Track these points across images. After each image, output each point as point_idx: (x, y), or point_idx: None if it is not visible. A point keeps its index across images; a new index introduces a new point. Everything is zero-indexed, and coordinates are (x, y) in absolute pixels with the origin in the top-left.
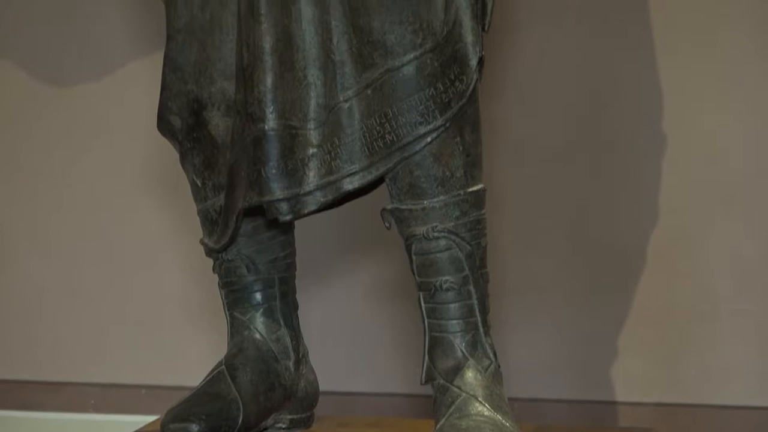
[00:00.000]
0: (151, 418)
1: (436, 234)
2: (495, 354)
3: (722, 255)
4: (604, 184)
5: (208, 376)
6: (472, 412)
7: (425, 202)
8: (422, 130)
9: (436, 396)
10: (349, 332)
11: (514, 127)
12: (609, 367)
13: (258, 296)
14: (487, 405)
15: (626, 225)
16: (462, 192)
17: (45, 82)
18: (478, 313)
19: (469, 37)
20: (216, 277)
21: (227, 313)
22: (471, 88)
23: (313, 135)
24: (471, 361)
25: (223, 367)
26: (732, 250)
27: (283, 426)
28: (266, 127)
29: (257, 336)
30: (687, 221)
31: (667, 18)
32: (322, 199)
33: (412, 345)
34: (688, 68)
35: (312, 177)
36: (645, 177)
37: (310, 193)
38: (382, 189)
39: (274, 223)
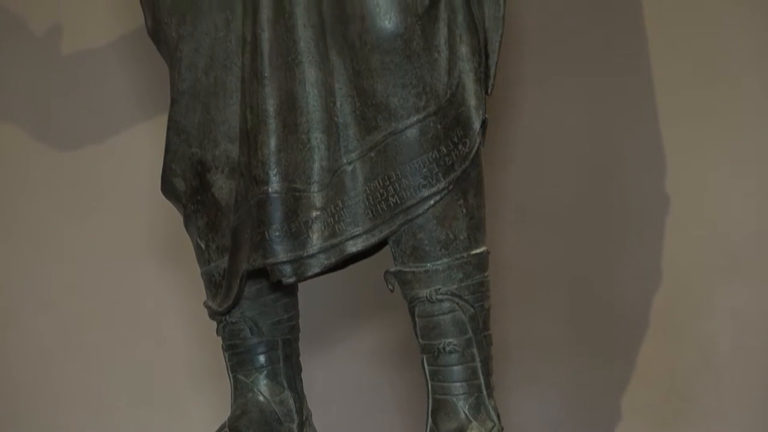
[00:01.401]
0: None
1: (439, 297)
2: (498, 416)
3: (724, 317)
4: (607, 246)
5: None
6: None
7: (428, 264)
8: (425, 192)
9: None
10: (352, 395)
11: (516, 190)
12: (611, 430)
13: (261, 358)
14: None
15: (629, 287)
16: (465, 254)
17: (50, 144)
18: (481, 376)
19: (472, 101)
20: (220, 340)
21: (231, 375)
22: (474, 151)
23: (317, 198)
24: (474, 424)
25: (227, 429)
26: (734, 313)
27: None
28: (270, 189)
29: (261, 398)
30: (689, 283)
31: (671, 79)
32: (325, 262)
33: (415, 407)
34: (691, 130)
35: (315, 239)
36: (647, 239)
37: (313, 255)
38: (386, 251)
39: (277, 286)
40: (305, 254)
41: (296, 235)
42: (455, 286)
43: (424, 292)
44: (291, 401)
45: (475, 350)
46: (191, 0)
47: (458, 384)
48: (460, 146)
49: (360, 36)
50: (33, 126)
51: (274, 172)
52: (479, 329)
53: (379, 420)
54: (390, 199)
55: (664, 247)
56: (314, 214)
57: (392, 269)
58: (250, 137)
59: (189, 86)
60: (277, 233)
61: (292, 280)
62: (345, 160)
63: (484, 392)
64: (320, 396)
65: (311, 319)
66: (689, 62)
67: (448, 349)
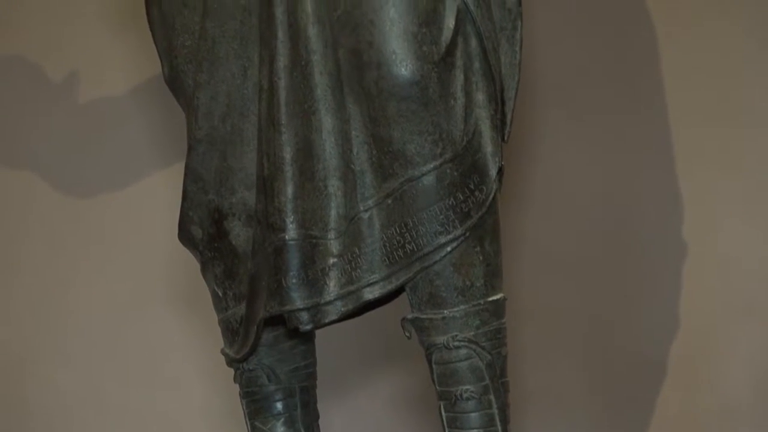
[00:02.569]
0: None
1: (456, 343)
2: None
3: (742, 362)
4: (624, 291)
5: None
6: None
7: (445, 311)
8: (442, 239)
9: None
10: None
11: (533, 236)
12: None
13: (279, 406)
14: None
15: (646, 332)
16: (482, 301)
17: (67, 191)
18: (498, 423)
19: (488, 147)
20: (237, 387)
21: (248, 422)
22: (491, 197)
23: (334, 245)
24: None
25: None
26: (751, 357)
27: None
28: (287, 237)
29: None
30: (707, 328)
31: (688, 122)
32: (342, 309)
33: None
34: (707, 172)
35: (332, 286)
36: (665, 283)
37: (330, 302)
38: (403, 298)
39: (295, 333)
40: (322, 301)
41: (313, 282)
42: (472, 333)
43: (441, 339)
44: None
45: (492, 397)
46: (208, 48)
47: (475, 431)
48: (476, 193)
49: (376, 83)
50: (50, 174)
51: (291, 219)
52: (496, 376)
53: None
54: (407, 246)
55: (681, 292)
56: (331, 261)
57: (409, 316)
58: (266, 184)
59: (206, 134)
60: (294, 280)
61: (309, 327)
62: (362, 207)
63: None
64: None
65: (328, 366)
66: (706, 105)
67: (465, 396)
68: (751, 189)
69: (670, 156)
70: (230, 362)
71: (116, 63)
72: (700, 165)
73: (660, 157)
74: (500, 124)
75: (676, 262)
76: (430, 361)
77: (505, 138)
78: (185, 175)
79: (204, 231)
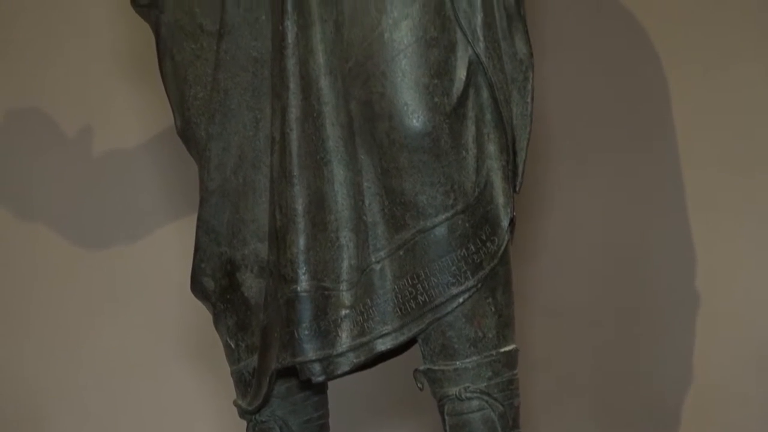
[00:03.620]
0: None
1: (468, 395)
2: None
3: (756, 414)
4: (636, 343)
5: None
6: None
7: (457, 362)
8: (454, 290)
9: None
10: None
11: (545, 287)
12: None
13: None
14: None
15: (659, 385)
16: (494, 352)
17: (80, 245)
18: None
19: (500, 199)
20: None
21: None
22: (502, 248)
23: (346, 296)
24: None
25: None
26: (766, 413)
27: None
28: (299, 288)
29: None
30: (720, 382)
31: (703, 177)
32: (354, 360)
33: None
34: (721, 222)
35: (345, 338)
36: (678, 336)
37: (342, 354)
38: (415, 349)
39: (307, 384)
40: (334, 353)
41: (325, 334)
42: (484, 384)
43: (453, 390)
44: None
45: None
46: (220, 100)
47: None
48: (488, 244)
49: (388, 135)
50: (63, 225)
51: (303, 270)
52: (509, 427)
53: None
54: (419, 297)
55: (694, 343)
56: (343, 312)
57: (421, 367)
58: (279, 236)
59: (218, 185)
60: (306, 332)
61: (321, 378)
62: (374, 259)
63: None
64: None
65: (341, 418)
66: (719, 153)
67: None
68: (767, 237)
69: (683, 205)
70: (243, 414)
71: (129, 115)
72: (714, 213)
73: (673, 207)
74: (512, 175)
75: (688, 313)
76: (442, 413)
77: (517, 189)
78: (198, 226)
79: (216, 283)
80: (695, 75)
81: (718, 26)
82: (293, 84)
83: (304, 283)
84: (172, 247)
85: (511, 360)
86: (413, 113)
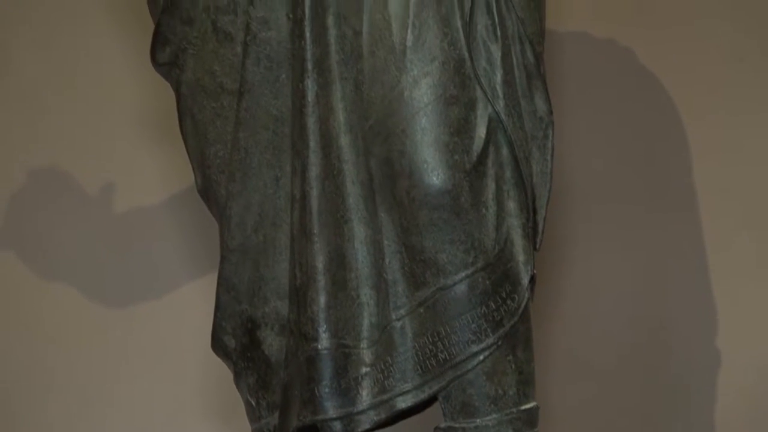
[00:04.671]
0: None
1: None
2: None
3: None
4: (657, 402)
5: None
6: None
7: (478, 420)
8: (475, 348)
9: None
10: None
11: (566, 344)
12: None
13: None
14: None
15: None
16: (515, 410)
17: (101, 304)
18: None
19: (520, 256)
20: None
21: None
22: (523, 306)
23: (366, 354)
24: None
25: None
26: None
27: None
28: (319, 346)
29: None
30: None
31: (724, 237)
32: (375, 418)
33: None
34: (742, 283)
35: (365, 396)
36: (699, 395)
37: (363, 411)
38: (435, 406)
39: None
40: (355, 410)
41: (346, 392)
42: None
43: None
44: None
45: None
46: (240, 158)
47: None
48: (508, 301)
49: (408, 192)
50: (83, 284)
51: (324, 328)
52: None
53: None
54: (439, 355)
55: (716, 402)
56: (364, 370)
57: (442, 425)
58: (299, 294)
59: (239, 244)
60: (327, 390)
61: None
62: (394, 317)
63: None
64: None
65: None
66: (740, 214)
67: None
68: None
69: (705, 265)
70: None
71: (150, 173)
72: (735, 273)
73: (695, 266)
74: (532, 233)
75: (710, 372)
76: None
77: (537, 246)
78: (218, 285)
79: (237, 341)
80: (717, 133)
81: (739, 85)
82: (313, 142)
83: (324, 341)
84: (193, 305)
85: (531, 418)
86: (433, 171)
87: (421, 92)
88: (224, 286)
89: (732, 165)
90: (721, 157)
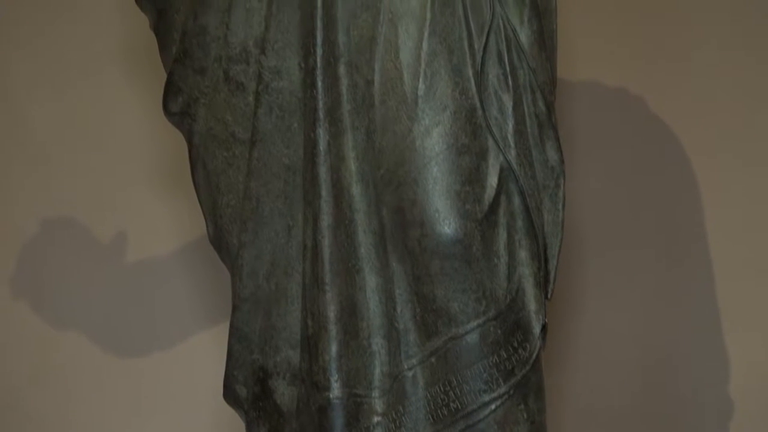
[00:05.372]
0: None
1: None
2: None
3: None
4: None
5: None
6: None
7: None
8: (486, 398)
9: None
10: None
11: (577, 393)
12: None
13: None
14: None
15: None
16: None
17: (114, 353)
18: None
19: (532, 305)
20: None
21: None
22: (534, 355)
23: (378, 403)
24: None
25: None
26: None
27: None
28: (331, 395)
29: None
30: None
31: (735, 286)
32: None
33: None
34: (752, 333)
35: None
36: None
37: None
38: None
39: None
40: None
41: None
42: None
43: None
44: None
45: None
46: (252, 207)
47: None
48: (520, 351)
49: (419, 242)
50: (97, 332)
51: (335, 378)
52: None
53: None
54: (451, 404)
55: None
56: (375, 419)
57: None
58: (311, 343)
59: (251, 293)
60: None
61: None
62: (406, 366)
63: None
64: None
65: None
66: (752, 262)
67: None
68: None
69: (716, 312)
70: None
71: (162, 222)
72: (749, 319)
73: (706, 314)
74: (543, 282)
75: (723, 420)
76: None
77: (549, 296)
78: (230, 334)
79: (249, 390)
80: (729, 178)
81: (752, 130)
82: (325, 191)
83: (336, 391)
84: (205, 354)
85: None
86: (445, 220)
87: (433, 141)
88: (236, 335)
89: (744, 210)
90: (733, 203)
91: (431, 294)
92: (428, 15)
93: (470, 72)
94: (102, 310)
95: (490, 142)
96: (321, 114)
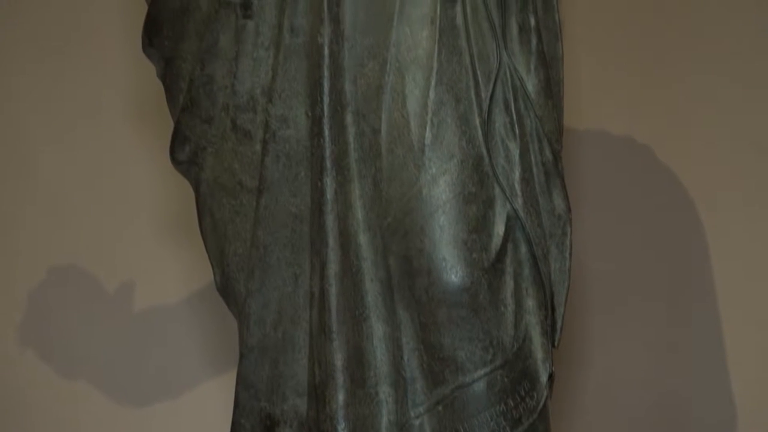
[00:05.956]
0: None
1: None
2: None
3: None
4: None
5: None
6: None
7: None
8: None
9: None
10: None
11: None
12: None
13: None
14: None
15: None
16: None
17: (121, 403)
18: None
19: (539, 354)
20: None
21: None
22: (541, 404)
23: None
24: None
25: None
26: None
27: None
28: None
29: None
30: None
31: (742, 332)
32: None
33: None
34: (762, 371)
35: None
36: None
37: None
38: None
39: None
40: None
41: None
42: None
43: None
44: None
45: None
46: (260, 256)
47: None
48: (527, 399)
49: (426, 290)
50: (103, 381)
51: (342, 426)
52: None
53: None
54: None
55: None
56: None
57: None
58: (318, 392)
59: (258, 341)
60: None
61: None
62: (413, 414)
63: None
64: None
65: None
66: (761, 311)
67: None
68: None
69: (723, 359)
70: None
71: (169, 270)
72: (759, 370)
73: (716, 362)
74: (550, 330)
75: None
76: None
77: (556, 344)
78: (237, 383)
79: None
80: (739, 228)
81: (762, 179)
82: (332, 240)
83: None
84: (212, 402)
85: None
86: (452, 269)
87: (440, 190)
88: (243, 384)
89: (753, 260)
90: (742, 253)
91: (438, 342)
92: (435, 64)
93: (477, 121)
94: (108, 359)
95: (497, 191)
96: (328, 163)
